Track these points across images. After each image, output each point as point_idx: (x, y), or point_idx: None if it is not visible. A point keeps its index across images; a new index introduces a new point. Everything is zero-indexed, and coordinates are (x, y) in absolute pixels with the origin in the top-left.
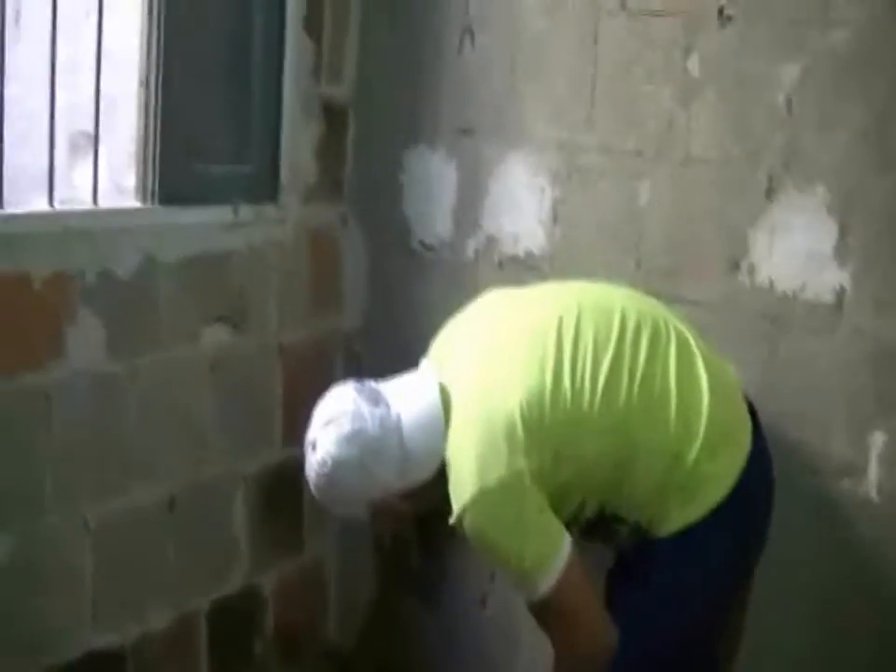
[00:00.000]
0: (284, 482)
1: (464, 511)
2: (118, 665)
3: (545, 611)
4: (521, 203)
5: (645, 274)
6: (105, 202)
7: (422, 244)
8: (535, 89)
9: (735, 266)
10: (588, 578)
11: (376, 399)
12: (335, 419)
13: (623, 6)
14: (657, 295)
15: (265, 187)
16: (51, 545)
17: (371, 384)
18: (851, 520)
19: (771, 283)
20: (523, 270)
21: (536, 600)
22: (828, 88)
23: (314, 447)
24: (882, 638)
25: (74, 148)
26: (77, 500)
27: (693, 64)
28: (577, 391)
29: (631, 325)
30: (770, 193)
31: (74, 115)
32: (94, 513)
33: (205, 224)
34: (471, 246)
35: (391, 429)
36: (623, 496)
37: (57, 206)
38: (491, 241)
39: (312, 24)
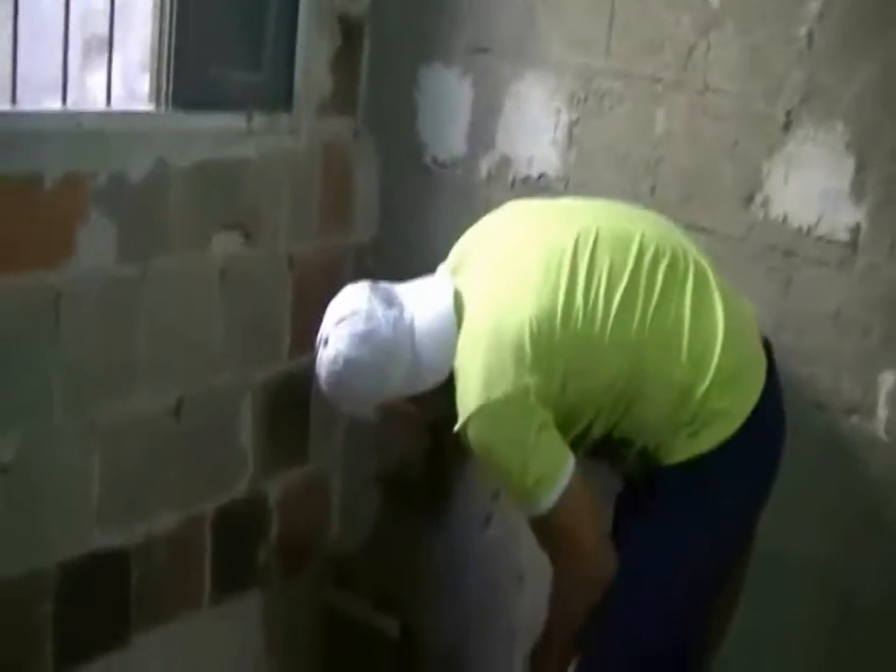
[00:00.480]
0: (291, 391)
1: (468, 421)
2: (122, 567)
3: (545, 529)
4: (536, 124)
5: (659, 202)
6: (119, 106)
7: (434, 161)
8: (554, 10)
9: (750, 198)
10: (591, 499)
11: (390, 301)
12: (348, 317)
13: None
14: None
15: (279, 96)
16: (58, 447)
17: (386, 285)
18: (859, 458)
19: (785, 217)
20: (535, 191)
21: (537, 517)
22: (850, 22)
23: (325, 343)
24: (892, 577)
25: (87, 52)
26: (84, 403)
27: None
28: (588, 315)
29: (649, 253)
30: (787, 127)
31: (88, 18)
32: (101, 416)
33: (218, 130)
34: (484, 166)
35: (404, 332)
36: (631, 423)
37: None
38: (504, 161)
39: None
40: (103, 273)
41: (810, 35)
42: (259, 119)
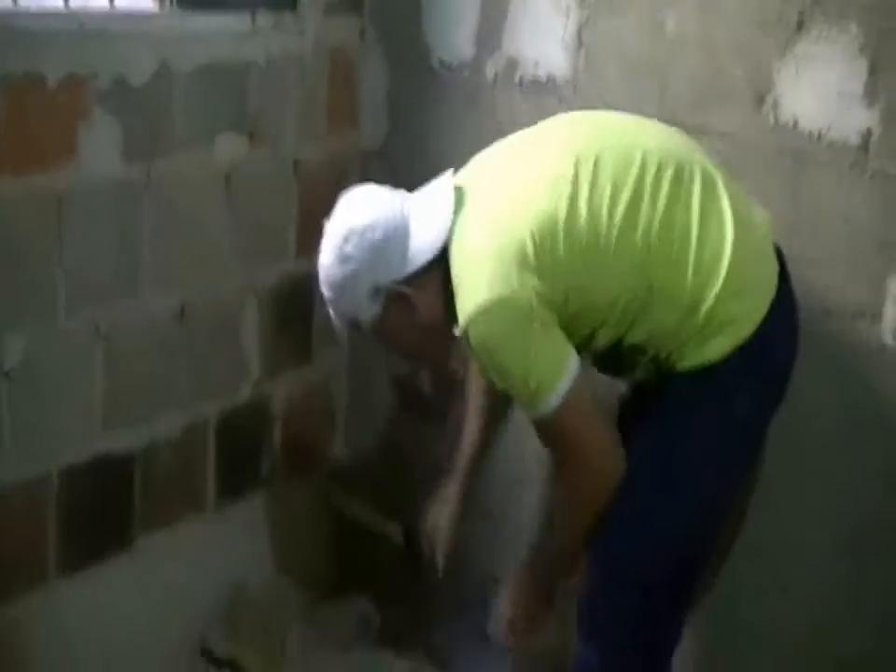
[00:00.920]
0: (295, 296)
1: (469, 322)
2: (126, 471)
3: (550, 430)
4: (544, 25)
5: (670, 104)
6: (122, 6)
7: (441, 63)
8: None
9: (761, 102)
10: (594, 398)
11: (395, 192)
12: (354, 203)
13: None
14: (682, 125)
15: None
16: (62, 351)
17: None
18: (865, 363)
19: (796, 121)
20: (543, 94)
21: (542, 419)
22: None
23: (330, 223)
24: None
25: None
26: (88, 305)
27: None
28: (592, 227)
29: (653, 162)
30: (800, 28)
31: None
32: (105, 319)
33: (223, 31)
34: (491, 68)
35: (401, 209)
36: (640, 333)
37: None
38: (512, 63)
39: None
40: (106, 174)
41: None
42: (264, 20)
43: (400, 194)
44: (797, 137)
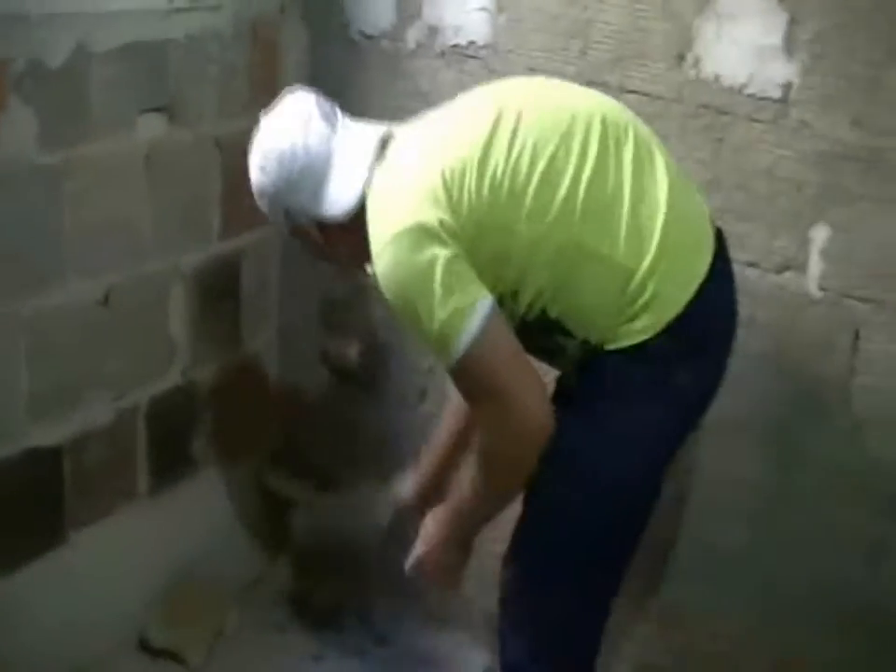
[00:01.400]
0: (222, 277)
1: (378, 255)
2: (55, 463)
3: (466, 379)
4: None
5: (590, 64)
6: None
7: (362, 33)
8: None
9: (681, 57)
10: (515, 343)
11: (329, 119)
12: (286, 111)
13: None
14: (604, 85)
15: None
16: None
17: (333, 106)
18: (792, 314)
19: (717, 75)
20: (466, 60)
21: (455, 364)
22: None
23: (265, 121)
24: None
25: None
26: (10, 295)
27: None
28: (509, 169)
29: (583, 122)
30: None
31: None
32: (29, 308)
33: (140, 9)
34: (413, 36)
35: (324, 148)
36: (568, 304)
37: None
38: (433, 31)
39: None
40: (25, 161)
41: None
42: None
43: (334, 124)
44: (719, 92)
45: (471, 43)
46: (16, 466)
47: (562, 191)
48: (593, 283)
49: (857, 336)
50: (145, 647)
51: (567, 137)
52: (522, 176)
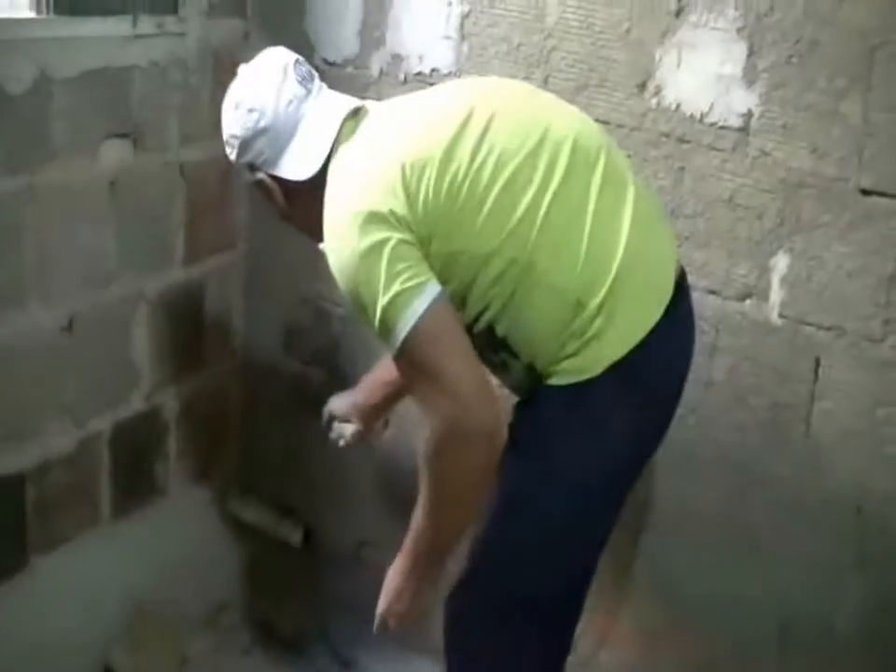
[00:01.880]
0: (186, 302)
1: (329, 234)
2: (17, 490)
3: (409, 368)
4: (428, 19)
5: (553, 92)
6: None
7: (325, 61)
8: None
9: (643, 86)
10: (463, 335)
11: (306, 81)
12: (264, 64)
13: None
14: None
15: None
16: None
17: (311, 69)
18: (753, 341)
19: (678, 104)
20: (429, 87)
21: (398, 351)
22: None
23: (242, 71)
24: (786, 459)
25: None
26: None
27: None
28: (471, 175)
29: (551, 139)
30: (679, 13)
31: None
32: None
33: (103, 36)
34: (376, 63)
35: (294, 111)
36: (516, 324)
37: None
38: (397, 58)
39: None
40: None
41: None
42: (145, 23)
43: (309, 89)
44: (680, 121)
45: (435, 70)
46: None
47: (521, 209)
48: (540, 308)
49: (818, 363)
50: None
51: (534, 153)
52: (482, 185)
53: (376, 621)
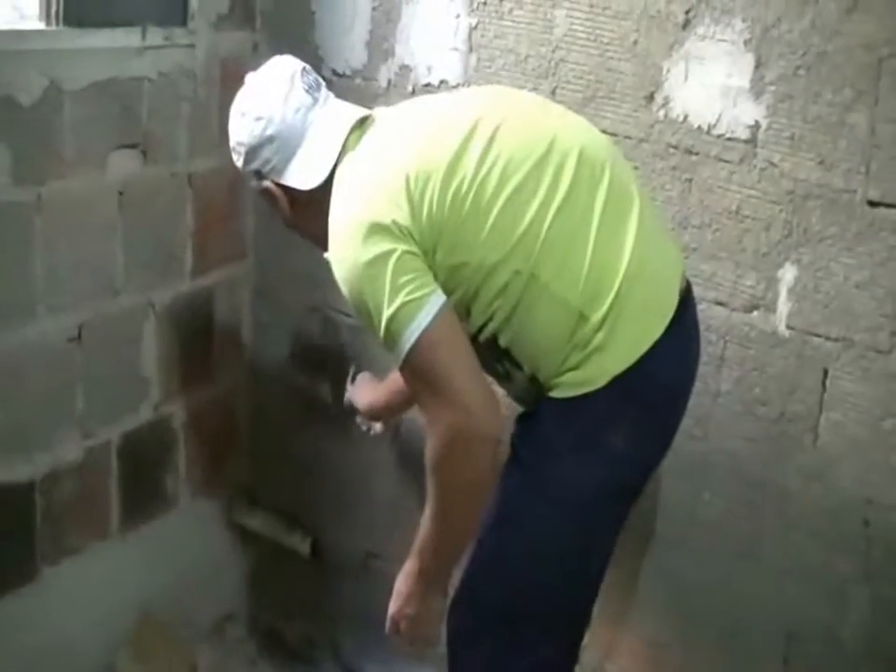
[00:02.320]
0: (194, 313)
1: (333, 244)
2: (27, 499)
3: (415, 377)
4: (436, 31)
5: (560, 103)
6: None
7: (333, 72)
8: None
9: (651, 98)
10: (466, 344)
11: (313, 89)
12: (272, 74)
13: None
14: None
15: (174, 11)
16: None
17: (318, 78)
18: (761, 353)
19: (686, 116)
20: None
21: (403, 361)
22: None
23: (250, 79)
24: (794, 470)
25: None
26: None
27: None
28: (476, 186)
29: (557, 150)
30: (686, 25)
31: None
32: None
33: (112, 47)
34: (384, 75)
35: (300, 120)
36: (518, 335)
37: None
38: (405, 69)
39: None
40: None
41: None
42: (154, 35)
43: (316, 98)
44: (687, 133)
45: (443, 82)
46: None
47: (525, 221)
48: (543, 319)
49: (825, 374)
50: None
51: (540, 164)
52: (487, 196)
53: (387, 622)
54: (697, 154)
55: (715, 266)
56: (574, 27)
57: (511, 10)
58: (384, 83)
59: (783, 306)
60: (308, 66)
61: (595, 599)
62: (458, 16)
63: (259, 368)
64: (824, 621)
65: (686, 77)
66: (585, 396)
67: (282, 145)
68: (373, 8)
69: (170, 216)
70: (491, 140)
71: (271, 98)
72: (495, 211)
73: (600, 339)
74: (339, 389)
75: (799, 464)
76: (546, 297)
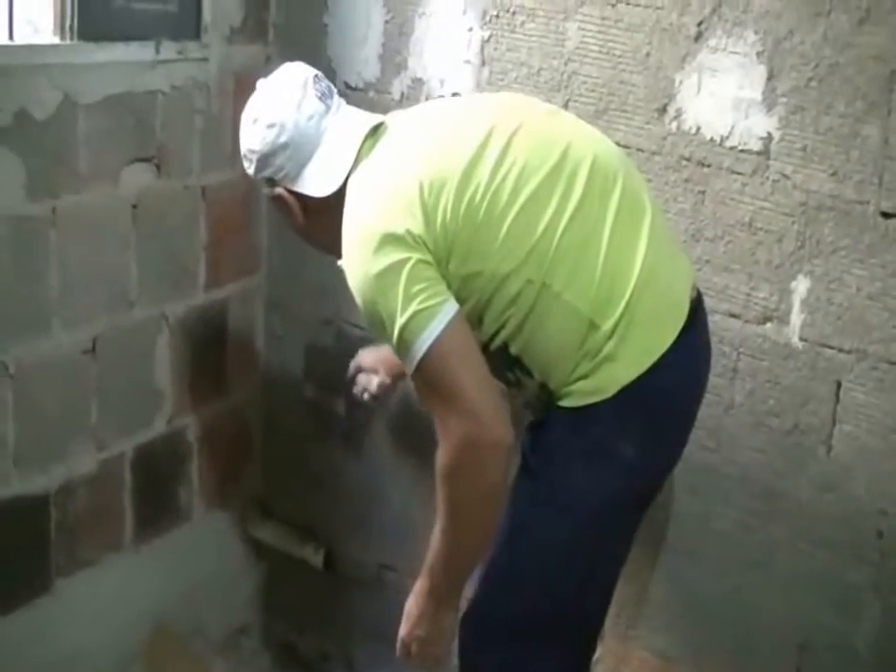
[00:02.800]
0: (208, 326)
1: (347, 253)
2: (41, 511)
3: (426, 386)
4: (449, 44)
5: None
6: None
7: (346, 85)
8: None
9: (663, 110)
10: (477, 354)
11: (326, 97)
12: (283, 81)
13: None
14: None
15: (188, 25)
16: None
17: (330, 85)
18: (774, 365)
19: (698, 128)
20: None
21: (415, 369)
22: None
23: (262, 85)
24: (807, 481)
25: None
26: None
27: None
28: (489, 195)
29: (571, 159)
30: (699, 38)
31: None
32: (15, 357)
33: (126, 61)
34: (397, 88)
35: (314, 127)
36: (530, 343)
37: None
38: (417, 82)
39: None
40: (11, 211)
41: None
42: (168, 49)
43: (329, 105)
44: (700, 145)
45: (455, 95)
46: (2, 514)
47: (539, 230)
48: (554, 328)
49: (838, 386)
50: None
51: (553, 173)
52: (501, 205)
53: (398, 644)
54: (710, 166)
55: (728, 278)
56: (586, 40)
57: (523, 23)
58: (396, 96)
59: (796, 318)
60: (320, 73)
61: (607, 609)
62: (471, 29)
63: (272, 380)
64: (837, 631)
65: (698, 90)
66: (595, 405)
67: (295, 152)
68: (386, 21)
69: (183, 229)
70: (506, 148)
71: (283, 105)
72: (508, 220)
73: (611, 347)
74: (352, 401)
75: (812, 475)
76: (558, 306)
